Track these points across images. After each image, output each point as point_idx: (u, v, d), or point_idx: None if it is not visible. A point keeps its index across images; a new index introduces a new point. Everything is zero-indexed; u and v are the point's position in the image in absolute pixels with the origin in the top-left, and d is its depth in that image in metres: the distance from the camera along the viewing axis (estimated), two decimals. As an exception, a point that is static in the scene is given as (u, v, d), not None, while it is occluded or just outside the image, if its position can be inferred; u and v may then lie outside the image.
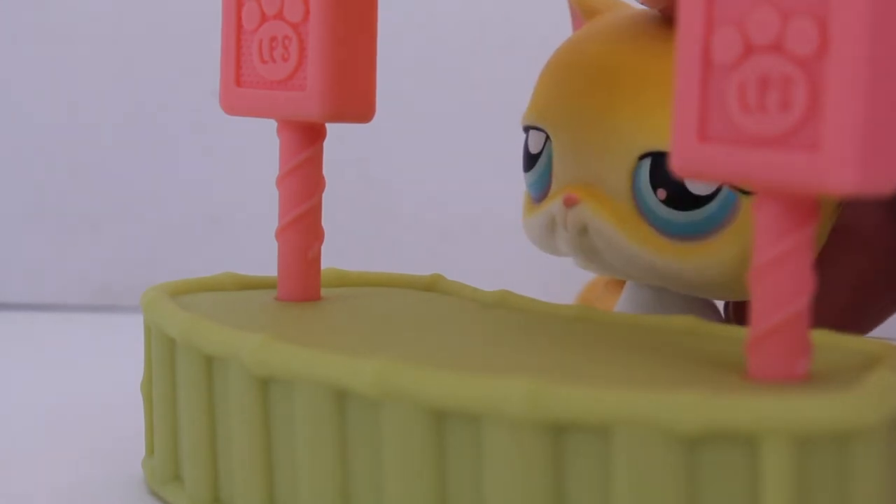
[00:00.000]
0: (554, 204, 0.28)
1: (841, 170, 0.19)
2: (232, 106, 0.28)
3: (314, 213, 0.28)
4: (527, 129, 0.29)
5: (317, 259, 0.28)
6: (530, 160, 0.29)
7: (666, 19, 0.28)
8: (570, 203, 0.27)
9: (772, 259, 0.20)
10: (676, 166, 0.21)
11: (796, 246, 0.20)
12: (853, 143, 0.19)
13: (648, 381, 0.21)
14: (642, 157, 0.26)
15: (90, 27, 0.49)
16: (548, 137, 0.29)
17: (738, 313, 0.30)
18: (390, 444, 0.21)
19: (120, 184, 0.50)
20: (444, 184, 0.48)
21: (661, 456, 0.19)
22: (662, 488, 0.19)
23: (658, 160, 0.26)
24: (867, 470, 0.19)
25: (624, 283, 0.31)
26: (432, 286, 0.30)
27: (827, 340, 0.23)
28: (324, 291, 0.29)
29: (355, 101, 0.26)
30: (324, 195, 0.28)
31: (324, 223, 0.28)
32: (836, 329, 0.24)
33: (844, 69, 0.19)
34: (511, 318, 0.27)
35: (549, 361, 0.23)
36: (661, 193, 0.26)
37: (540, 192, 0.29)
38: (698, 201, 0.26)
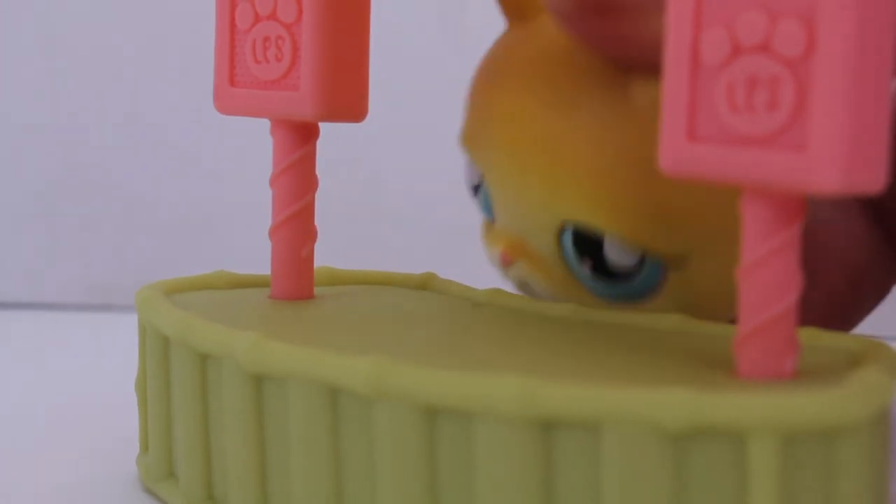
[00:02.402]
0: (495, 250, 0.27)
1: (827, 169, 0.19)
2: (225, 106, 0.28)
3: (307, 211, 0.28)
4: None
5: (310, 258, 0.28)
6: (473, 188, 0.28)
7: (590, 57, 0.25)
8: (505, 263, 0.27)
9: (759, 258, 0.20)
10: (666, 166, 0.21)
11: (783, 245, 0.20)
12: (839, 143, 0.19)
13: (637, 378, 0.21)
14: (564, 225, 0.25)
15: (89, 27, 0.49)
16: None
17: None
18: (383, 441, 0.21)
19: (119, 184, 0.50)
20: (438, 183, 0.48)
21: (649, 452, 0.19)
22: (651, 484, 0.19)
23: (580, 231, 0.25)
24: (852, 466, 0.19)
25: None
26: (425, 285, 0.30)
27: (814, 338, 0.23)
28: (317, 290, 0.29)
29: (348, 101, 0.27)
30: (317, 194, 0.28)
31: (317, 222, 0.28)
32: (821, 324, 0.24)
33: (831, 70, 0.19)
34: (503, 316, 0.27)
35: (540, 359, 0.23)
36: (587, 263, 0.26)
37: (489, 214, 0.28)
38: (620, 276, 0.26)
